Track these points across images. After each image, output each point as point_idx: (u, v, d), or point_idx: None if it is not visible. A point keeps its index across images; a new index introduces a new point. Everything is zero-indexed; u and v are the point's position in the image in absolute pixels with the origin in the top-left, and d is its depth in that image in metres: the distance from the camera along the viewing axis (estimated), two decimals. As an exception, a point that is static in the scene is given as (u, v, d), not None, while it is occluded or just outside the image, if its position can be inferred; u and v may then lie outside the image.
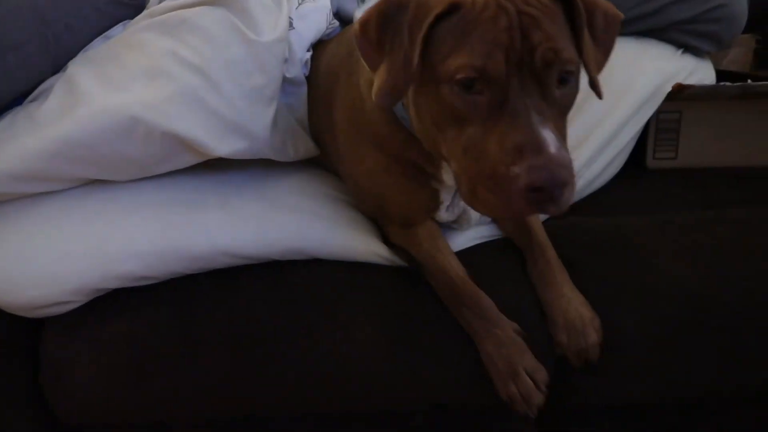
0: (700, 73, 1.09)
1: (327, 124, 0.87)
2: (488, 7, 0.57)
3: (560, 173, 0.53)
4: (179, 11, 0.80)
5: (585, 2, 0.62)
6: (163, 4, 0.83)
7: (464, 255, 0.83)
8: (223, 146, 0.77)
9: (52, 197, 0.78)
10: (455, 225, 0.87)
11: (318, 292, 0.78)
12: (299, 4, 0.93)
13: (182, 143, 0.75)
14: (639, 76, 1.02)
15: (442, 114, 0.60)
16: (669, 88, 1.02)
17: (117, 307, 0.77)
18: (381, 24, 0.60)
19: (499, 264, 0.83)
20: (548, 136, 0.54)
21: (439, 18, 0.58)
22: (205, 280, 0.78)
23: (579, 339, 0.75)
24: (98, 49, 0.84)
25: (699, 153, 1.10)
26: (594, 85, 0.65)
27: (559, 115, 0.60)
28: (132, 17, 0.89)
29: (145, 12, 0.85)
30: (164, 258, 0.75)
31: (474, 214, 0.86)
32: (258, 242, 0.78)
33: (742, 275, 0.81)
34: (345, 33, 0.92)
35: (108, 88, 0.75)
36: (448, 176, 0.76)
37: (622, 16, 0.66)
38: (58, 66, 0.84)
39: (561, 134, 0.59)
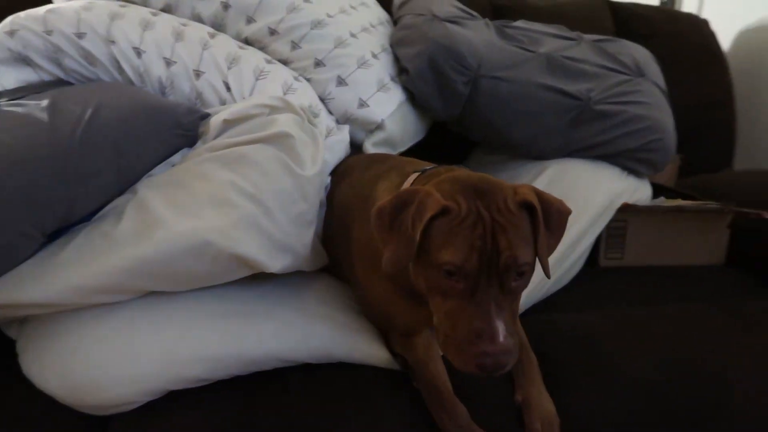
0: (641, 191, 1.34)
1: (342, 247, 1.03)
2: (470, 215, 0.76)
3: (502, 359, 0.72)
4: (238, 147, 0.95)
5: (543, 206, 0.80)
6: (223, 141, 0.98)
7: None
8: (276, 264, 0.91)
9: (123, 306, 0.90)
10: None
11: (354, 387, 0.93)
12: (327, 136, 1.11)
13: (244, 263, 0.89)
14: (596, 194, 1.25)
15: (431, 284, 0.79)
16: (619, 204, 1.26)
17: (179, 403, 0.88)
18: (392, 213, 0.78)
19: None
20: (500, 326, 0.73)
21: (434, 217, 0.76)
22: (254, 379, 0.92)
23: (551, 429, 0.93)
24: (164, 175, 0.97)
25: (641, 254, 1.34)
26: (543, 267, 0.82)
27: (513, 299, 0.79)
28: (188, 145, 1.03)
29: (206, 145, 0.99)
30: (226, 363, 0.88)
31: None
32: (301, 349, 0.92)
33: (684, 363, 1.03)
34: (356, 174, 1.08)
35: (180, 213, 0.89)
36: None
37: (570, 211, 0.84)
38: (125, 188, 0.97)
39: (512, 314, 0.78)
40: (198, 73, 1.12)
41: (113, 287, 0.87)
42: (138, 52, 1.10)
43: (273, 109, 1.04)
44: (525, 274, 0.78)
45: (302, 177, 0.96)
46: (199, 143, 1.04)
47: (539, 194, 0.82)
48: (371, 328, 1.01)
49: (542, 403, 0.94)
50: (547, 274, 0.82)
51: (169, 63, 1.11)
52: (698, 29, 1.79)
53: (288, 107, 1.05)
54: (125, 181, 0.96)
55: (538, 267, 0.83)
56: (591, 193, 1.25)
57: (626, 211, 1.27)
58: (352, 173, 1.09)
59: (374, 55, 1.27)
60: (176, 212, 0.89)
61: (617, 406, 0.98)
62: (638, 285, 1.28)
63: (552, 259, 1.17)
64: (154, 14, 1.16)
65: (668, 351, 1.04)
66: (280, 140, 0.97)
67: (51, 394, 0.86)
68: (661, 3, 2.23)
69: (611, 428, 0.97)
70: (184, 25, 1.17)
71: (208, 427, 0.88)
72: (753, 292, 1.27)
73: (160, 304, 0.91)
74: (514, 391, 0.96)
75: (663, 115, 1.34)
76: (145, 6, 1.22)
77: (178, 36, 1.13)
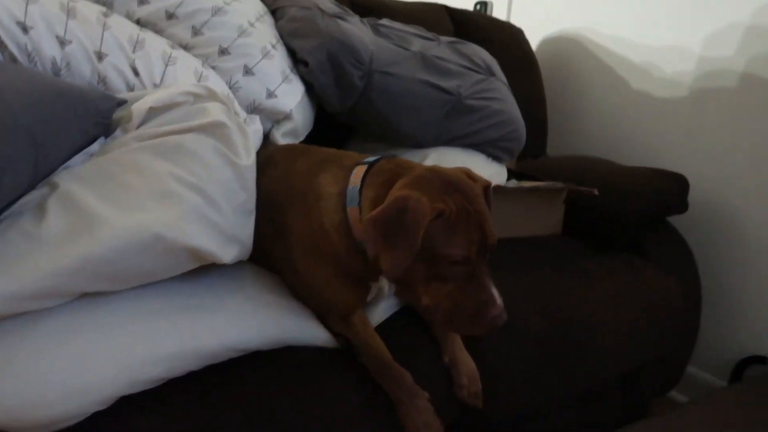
0: (501, 175, 1.56)
1: (269, 238, 1.04)
2: (460, 212, 0.88)
3: (504, 317, 0.88)
4: (172, 137, 0.91)
5: (487, 190, 0.99)
6: (152, 130, 0.92)
7: (382, 329, 1.08)
8: (227, 255, 0.90)
9: (57, 312, 0.80)
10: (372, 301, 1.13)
11: (306, 370, 0.96)
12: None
13: (197, 255, 0.86)
14: (470, 178, 1.43)
15: (429, 274, 0.89)
16: (489, 187, 1.46)
17: (131, 408, 0.83)
18: (387, 222, 0.84)
19: (411, 333, 1.11)
20: (496, 293, 0.88)
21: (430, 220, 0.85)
22: (207, 372, 0.89)
23: (475, 383, 1.07)
24: (88, 167, 0.88)
25: (500, 228, 1.55)
26: None
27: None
28: (105, 134, 0.94)
29: (131, 134, 0.92)
30: (184, 360, 0.85)
31: (387, 290, 1.14)
32: (254, 337, 0.92)
33: (561, 316, 1.25)
34: (282, 166, 1.09)
35: (120, 207, 0.82)
36: (383, 282, 1.06)
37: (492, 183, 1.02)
38: (39, 181, 0.86)
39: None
40: (100, 55, 1.01)
41: (47, 292, 0.78)
42: (23, 27, 0.96)
43: (197, 97, 1.00)
44: None
45: (240, 166, 0.95)
46: (118, 131, 0.95)
47: (473, 173, 0.97)
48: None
49: (466, 361, 1.08)
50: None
51: (63, 42, 0.99)
52: (519, 37, 2.09)
53: (212, 95, 1.02)
54: (42, 173, 0.85)
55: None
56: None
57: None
58: (275, 165, 1.09)
59: (273, 46, 1.27)
60: (115, 207, 0.83)
61: (518, 356, 1.17)
62: (504, 254, 1.49)
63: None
64: (33, -15, 1.02)
65: (545, 306, 1.26)
66: (215, 129, 0.95)
67: (-21, 420, 0.74)
68: (475, 8, 2.52)
69: (515, 374, 1.16)
70: (72, 0, 1.04)
71: (167, 428, 0.84)
72: (586, 255, 1.57)
73: (100, 306, 0.84)
74: (441, 354, 1.09)
75: (515, 110, 1.57)
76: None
77: (70, 12, 1.01)
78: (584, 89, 2.18)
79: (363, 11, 1.77)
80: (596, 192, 1.52)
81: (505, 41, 2.02)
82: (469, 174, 0.97)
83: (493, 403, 1.10)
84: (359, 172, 0.97)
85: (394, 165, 0.98)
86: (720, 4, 1.73)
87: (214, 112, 0.97)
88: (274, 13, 1.45)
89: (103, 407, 0.80)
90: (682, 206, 1.65)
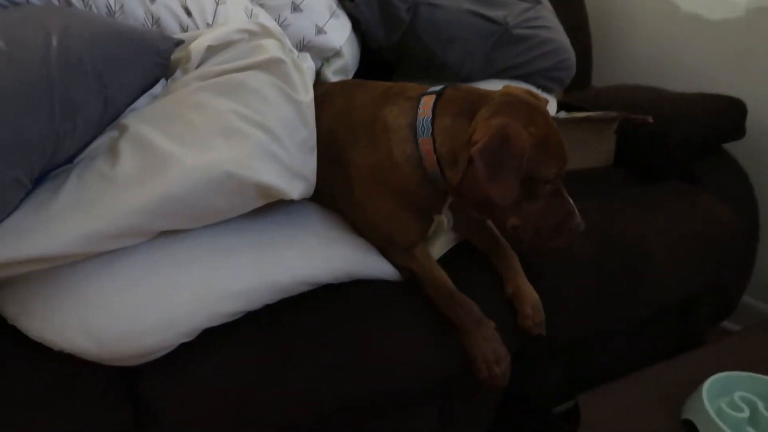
0: (551, 107, 1.52)
1: (331, 174, 1.03)
2: (547, 135, 0.91)
3: (583, 224, 0.96)
4: (233, 75, 0.91)
5: None
6: (212, 68, 0.92)
7: (443, 263, 1.09)
8: (295, 191, 0.91)
9: (137, 251, 0.83)
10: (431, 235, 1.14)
11: (373, 302, 0.98)
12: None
13: (265, 192, 0.87)
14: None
15: (524, 197, 0.92)
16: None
17: (211, 343, 0.86)
18: (494, 151, 0.87)
19: (471, 266, 1.12)
20: (573, 205, 0.95)
21: None
22: (281, 306, 0.92)
23: (539, 313, 1.08)
24: (154, 108, 0.89)
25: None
26: None
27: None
28: (165, 75, 0.95)
29: (193, 74, 0.92)
30: (260, 294, 0.87)
31: (447, 225, 1.15)
32: (325, 271, 0.94)
33: (615, 243, 1.24)
34: (340, 102, 1.08)
35: (189, 147, 0.83)
36: (443, 216, 1.07)
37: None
38: (110, 122, 0.87)
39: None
40: (152, -4, 1.01)
41: (126, 231, 0.80)
42: (76, -28, 0.96)
43: (252, 35, 0.99)
44: None
45: (301, 103, 0.95)
46: (178, 72, 0.96)
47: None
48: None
49: (529, 291, 1.08)
50: None
51: (116, -16, 0.99)
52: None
53: (266, 32, 1.01)
54: (111, 114, 0.87)
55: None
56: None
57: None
58: (332, 101, 1.08)
59: (318, -19, 1.25)
60: (185, 146, 0.84)
61: (576, 284, 1.17)
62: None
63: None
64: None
65: (601, 234, 1.25)
66: (273, 66, 0.94)
67: (78, 353, 0.78)
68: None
69: (573, 302, 1.16)
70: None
71: (249, 358, 0.88)
72: (639, 184, 1.54)
73: (177, 244, 0.86)
74: (503, 285, 1.09)
75: (564, 38, 1.52)
76: None
77: (120, -48, 1.00)
78: (630, 14, 2.08)
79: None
80: (651, 119, 1.48)
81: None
82: (532, 93, 0.98)
83: (555, 329, 1.11)
84: (428, 102, 0.96)
85: (464, 92, 0.97)
86: None
87: (271, 48, 0.96)
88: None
89: (189, 339, 0.84)
90: (738, 132, 1.59)
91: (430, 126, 0.94)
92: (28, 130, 0.74)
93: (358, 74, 1.42)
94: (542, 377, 1.24)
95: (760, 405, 1.07)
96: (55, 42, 0.80)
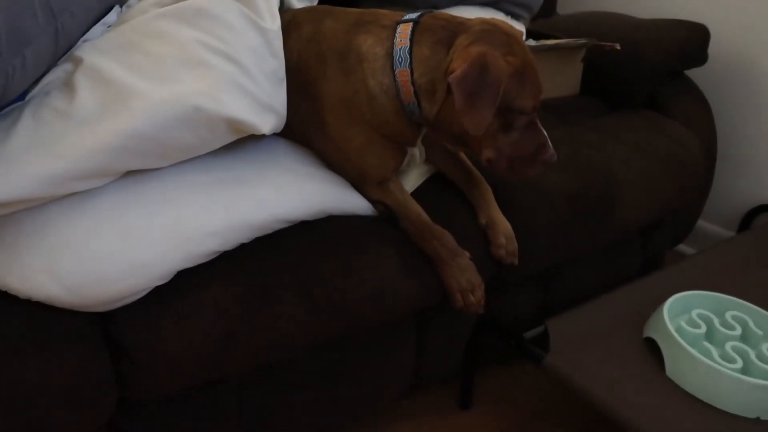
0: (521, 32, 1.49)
1: (302, 105, 1.00)
2: (524, 65, 0.90)
3: (556, 156, 0.96)
4: (192, 1, 0.85)
5: None
6: (170, -7, 0.85)
7: (416, 195, 1.08)
8: (266, 124, 0.87)
9: (104, 191, 0.79)
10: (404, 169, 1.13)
11: (350, 237, 0.97)
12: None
13: (235, 127, 0.83)
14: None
15: (500, 127, 0.92)
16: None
17: (187, 282, 0.84)
18: (471, 81, 0.85)
19: (444, 198, 1.12)
20: (546, 136, 0.95)
21: None
22: (257, 245, 0.90)
23: (511, 242, 1.09)
24: (110, 38, 0.82)
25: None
26: None
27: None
28: (119, 2, 0.87)
29: (147, 0, 0.85)
30: (235, 232, 0.85)
31: (419, 157, 1.14)
32: (300, 208, 0.92)
33: (586, 171, 1.26)
34: (308, 29, 1.01)
35: (152, 79, 0.78)
36: (419, 145, 1.07)
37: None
38: (61, 55, 0.80)
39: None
40: None
41: (92, 171, 0.76)
42: None
43: (213, -44, 0.92)
44: None
45: (268, 31, 0.90)
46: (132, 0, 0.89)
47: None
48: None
49: (502, 221, 1.09)
50: None
51: None
52: None
53: (226, -46, 0.93)
54: (63, 46, 0.80)
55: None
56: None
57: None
58: (299, 27, 1.02)
59: None
60: (147, 79, 0.79)
61: (548, 212, 1.19)
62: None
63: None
64: None
65: (569, 164, 1.26)
66: (237, -9, 0.88)
67: (47, 300, 0.76)
68: None
69: (546, 230, 1.18)
70: None
71: (227, 296, 0.86)
72: (605, 112, 1.55)
73: (146, 183, 0.83)
74: (477, 216, 1.10)
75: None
76: None
77: None
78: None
79: None
80: (618, 46, 1.47)
81: None
82: (507, 23, 0.96)
83: (528, 258, 1.14)
84: (405, 30, 0.92)
85: (443, 21, 0.94)
86: None
87: (233, -28, 0.89)
88: None
89: (164, 281, 0.82)
90: (701, 57, 1.61)
91: (408, 56, 0.91)
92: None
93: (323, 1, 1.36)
94: (515, 303, 1.28)
95: (716, 321, 1.13)
96: None
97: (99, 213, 0.78)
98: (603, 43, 1.48)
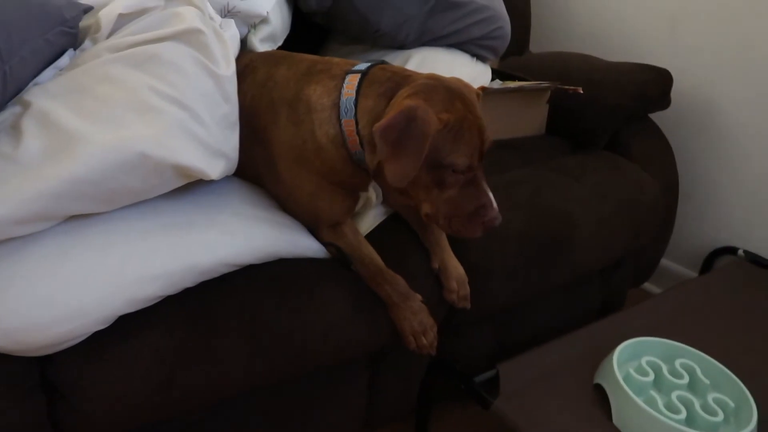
0: (485, 75, 1.52)
1: (254, 149, 1.02)
2: (464, 122, 0.88)
3: (500, 218, 0.93)
4: (146, 46, 0.86)
5: (478, 97, 0.97)
6: (124, 39, 0.86)
7: (371, 237, 1.10)
8: (215, 170, 0.88)
9: (47, 234, 0.79)
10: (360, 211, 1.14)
11: (299, 279, 0.98)
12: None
13: (183, 172, 0.84)
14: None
15: (430, 182, 0.90)
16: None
17: (128, 326, 0.84)
18: (396, 131, 0.84)
19: (399, 240, 1.13)
20: (492, 197, 0.92)
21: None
22: (203, 287, 0.90)
23: (464, 287, 1.11)
24: (60, 82, 0.83)
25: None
26: None
27: None
28: (73, 45, 0.88)
29: (103, 45, 0.86)
30: (179, 277, 0.85)
31: (375, 199, 1.15)
32: (247, 252, 0.93)
33: (543, 213, 1.28)
34: (262, 74, 1.04)
35: (99, 124, 0.79)
36: (371, 191, 1.07)
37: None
38: (9, 99, 0.81)
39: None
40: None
41: (34, 216, 0.76)
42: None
43: (168, 1, 0.93)
44: None
45: (221, 76, 0.91)
46: (87, 42, 0.89)
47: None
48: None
49: (455, 266, 1.11)
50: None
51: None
52: None
53: (184, -1, 0.95)
54: (12, 91, 0.80)
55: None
56: (451, 78, 1.38)
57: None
58: (255, 73, 1.04)
59: (244, -61, 1.17)
60: (94, 123, 0.79)
61: (502, 254, 1.20)
62: (488, 155, 1.49)
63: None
64: None
65: (527, 205, 1.29)
66: (191, 37, 0.89)
67: (-19, 343, 0.75)
68: None
69: (500, 272, 1.19)
70: None
71: (170, 339, 0.86)
72: (567, 152, 1.58)
73: (90, 227, 0.83)
74: (431, 260, 1.11)
75: (501, 6, 1.50)
76: None
77: None
78: (569, -21, 2.09)
79: None
80: (581, 90, 1.50)
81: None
82: (462, 81, 0.96)
83: (481, 300, 1.15)
84: (352, 81, 0.94)
85: (390, 73, 0.95)
86: None
87: (189, 17, 0.91)
88: None
89: (104, 326, 0.81)
90: (664, 101, 1.64)
91: (353, 107, 0.93)
92: None
93: (290, 36, 1.38)
94: (470, 343, 1.28)
95: (665, 368, 1.14)
96: None
97: (40, 257, 0.78)
98: (566, 87, 1.51)
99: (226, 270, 0.92)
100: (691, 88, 1.76)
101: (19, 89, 0.82)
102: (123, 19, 0.90)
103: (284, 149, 0.98)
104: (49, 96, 0.82)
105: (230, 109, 0.93)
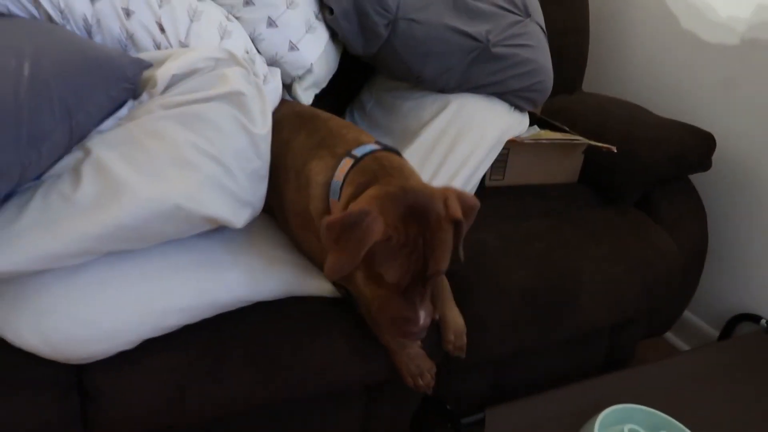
0: (523, 123, 1.56)
1: (275, 199, 1.13)
2: (408, 242, 0.88)
3: (422, 334, 0.94)
4: (193, 106, 0.98)
5: (465, 210, 0.95)
6: (175, 98, 0.98)
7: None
8: (240, 219, 1.00)
9: (92, 265, 0.94)
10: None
11: (306, 317, 1.10)
12: (263, 83, 1.14)
13: (212, 221, 0.96)
14: (490, 129, 1.45)
15: (372, 278, 0.92)
16: (507, 138, 1.48)
17: (151, 346, 0.98)
18: (341, 230, 0.87)
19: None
20: (422, 314, 0.92)
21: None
22: (218, 318, 1.04)
23: (460, 338, 1.18)
24: (117, 133, 0.96)
25: (517, 176, 1.60)
26: (459, 253, 1.00)
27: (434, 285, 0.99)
28: (133, 97, 1.02)
29: (157, 102, 0.99)
30: (200, 311, 0.99)
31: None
32: (263, 290, 1.05)
33: (549, 269, 1.34)
34: (286, 135, 1.14)
35: (143, 176, 0.91)
36: None
37: (479, 204, 1.00)
38: (72, 147, 0.95)
39: (431, 295, 0.97)
40: (128, 12, 1.06)
41: (82, 252, 0.90)
42: (56, -15, 1.01)
43: (218, 61, 1.05)
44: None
45: (256, 135, 1.02)
46: (144, 95, 1.02)
47: (463, 199, 0.96)
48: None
49: (454, 318, 1.19)
50: (461, 258, 1.01)
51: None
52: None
53: (233, 59, 1.06)
54: (77, 140, 0.94)
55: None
56: (486, 129, 1.44)
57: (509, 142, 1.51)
58: (281, 131, 1.15)
59: (298, -8, 1.27)
60: (139, 175, 0.92)
61: (504, 308, 1.27)
62: (514, 201, 1.56)
63: (458, 186, 1.38)
64: (64, -64, 1.04)
65: (537, 260, 1.34)
66: (234, 98, 1.00)
67: (31, 351, 0.91)
68: None
69: (499, 326, 1.27)
70: (101, -47, 1.07)
71: (184, 359, 1.00)
72: (594, 206, 1.61)
73: (128, 261, 0.97)
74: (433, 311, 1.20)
75: (545, 58, 1.54)
76: None
77: (99, -34, 1.04)
78: (632, 19, 2.06)
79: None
80: (615, 149, 1.52)
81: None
82: (447, 200, 0.94)
83: (477, 349, 1.23)
84: (345, 166, 1.01)
85: (377, 166, 0.99)
86: (792, -55, 1.58)
87: (233, 79, 1.02)
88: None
89: (130, 347, 0.96)
90: (704, 165, 1.64)
91: (339, 191, 1.00)
92: (-6, 162, 0.83)
93: (344, 68, 1.47)
94: (465, 384, 1.37)
95: (645, 439, 1.19)
96: (26, 70, 0.87)
97: (84, 285, 0.92)
98: (600, 145, 1.53)
99: (242, 305, 1.05)
100: (735, 150, 1.74)
101: (83, 137, 0.96)
102: (176, 78, 1.02)
103: (291, 210, 1.10)
104: (107, 146, 0.95)
105: (261, 164, 1.04)
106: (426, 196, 0.92)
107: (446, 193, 0.95)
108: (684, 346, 1.95)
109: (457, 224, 0.95)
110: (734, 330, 1.78)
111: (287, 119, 1.16)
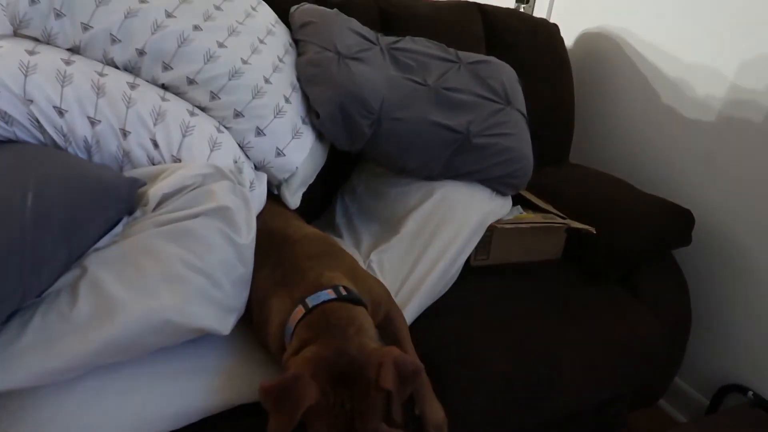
0: (505, 207, 1.63)
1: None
2: (334, 409, 0.91)
3: None
4: (182, 222, 1.05)
5: (401, 373, 0.94)
6: (165, 216, 1.06)
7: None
8: (227, 326, 1.07)
9: (88, 377, 1.00)
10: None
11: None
12: (250, 189, 1.22)
13: (200, 332, 1.03)
14: (472, 214, 1.51)
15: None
16: (489, 222, 1.54)
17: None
18: (277, 394, 0.90)
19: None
20: None
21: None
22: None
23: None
24: (112, 251, 1.03)
25: (501, 255, 1.66)
26: (395, 417, 0.97)
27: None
28: (129, 214, 1.10)
29: (149, 220, 1.07)
30: (188, 416, 1.04)
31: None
32: (248, 392, 1.09)
33: (529, 355, 1.38)
34: (258, 257, 1.18)
35: (136, 291, 0.98)
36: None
37: (423, 367, 0.99)
38: (71, 266, 1.03)
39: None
40: (125, 133, 1.15)
41: (77, 367, 0.96)
42: (60, 112, 1.10)
43: (206, 177, 1.13)
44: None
45: (241, 245, 1.09)
46: (138, 212, 1.10)
47: (401, 365, 0.95)
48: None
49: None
50: (399, 424, 1.01)
51: (93, 122, 1.12)
52: (552, 36, 2.05)
53: (219, 173, 1.14)
54: (73, 260, 1.02)
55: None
56: (468, 214, 1.51)
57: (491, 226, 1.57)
58: (259, 244, 1.21)
59: (287, 99, 1.35)
60: (132, 292, 0.99)
61: (483, 395, 1.31)
62: (498, 281, 1.61)
63: (438, 272, 1.44)
64: (68, 62, 1.14)
65: (518, 345, 1.39)
66: (220, 213, 1.08)
67: (30, 459, 0.97)
68: (516, 4, 2.44)
69: (480, 415, 1.31)
70: (103, 75, 1.16)
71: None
72: (576, 285, 1.65)
73: (122, 370, 1.03)
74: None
75: (525, 145, 1.61)
76: (50, 43, 1.18)
77: (100, 90, 1.13)
78: (615, 94, 2.14)
79: (390, 17, 1.80)
80: (594, 231, 1.58)
81: (537, 45, 2.00)
82: (381, 368, 0.94)
83: (460, 438, 1.28)
84: (297, 314, 1.04)
85: (324, 324, 1.01)
86: (763, 32, 1.66)
87: (220, 194, 1.10)
88: (298, 43, 1.51)
89: (124, 456, 1.02)
90: (683, 241, 1.69)
91: (290, 338, 1.04)
92: (-2, 289, 0.90)
93: (331, 151, 1.55)
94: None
95: None
96: (30, 201, 0.95)
97: (80, 397, 0.98)
98: (579, 227, 1.59)
99: (226, 408, 1.10)
100: (714, 221, 1.79)
101: (80, 256, 1.04)
102: (166, 196, 1.09)
103: (256, 328, 1.16)
104: (102, 264, 1.02)
105: (245, 270, 1.11)
106: (360, 361, 0.94)
107: (383, 358, 0.94)
108: (675, 412, 1.97)
109: (389, 395, 0.95)
110: (723, 400, 1.80)
111: (258, 238, 1.20)
